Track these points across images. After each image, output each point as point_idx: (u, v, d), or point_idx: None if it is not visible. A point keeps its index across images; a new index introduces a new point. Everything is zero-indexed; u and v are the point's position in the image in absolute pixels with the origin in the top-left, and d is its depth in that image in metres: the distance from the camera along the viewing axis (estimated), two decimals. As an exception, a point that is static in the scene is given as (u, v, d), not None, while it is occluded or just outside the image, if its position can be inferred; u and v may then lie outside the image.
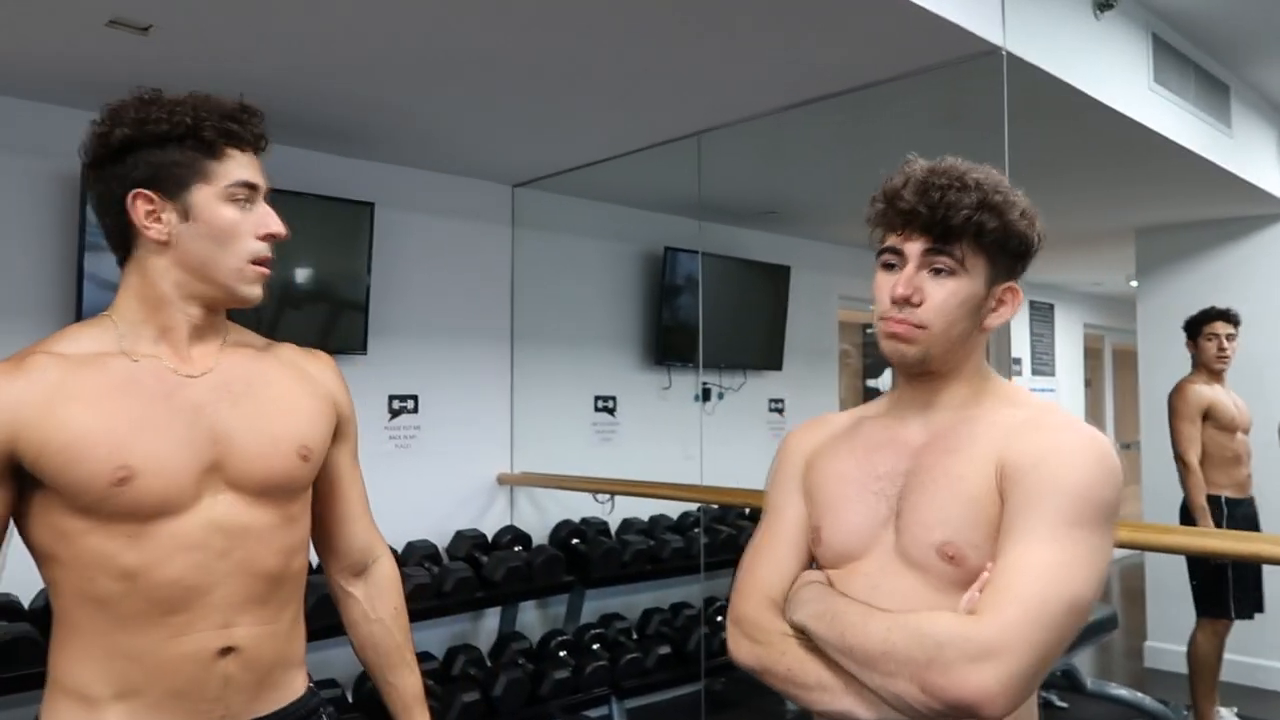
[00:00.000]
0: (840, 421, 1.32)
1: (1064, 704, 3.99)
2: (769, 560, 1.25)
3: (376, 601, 1.46)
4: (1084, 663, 4.49)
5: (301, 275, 3.43)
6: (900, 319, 1.15)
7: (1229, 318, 3.51)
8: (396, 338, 3.74)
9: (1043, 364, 7.07)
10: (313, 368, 1.38)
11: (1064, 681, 3.87)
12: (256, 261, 1.25)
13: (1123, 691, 3.87)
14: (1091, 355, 7.82)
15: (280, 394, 1.30)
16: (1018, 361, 6.83)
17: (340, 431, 1.40)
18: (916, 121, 3.32)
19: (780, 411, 5.23)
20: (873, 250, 1.21)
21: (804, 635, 1.13)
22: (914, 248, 1.15)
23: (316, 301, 3.46)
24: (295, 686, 1.31)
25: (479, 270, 4.06)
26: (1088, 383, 7.77)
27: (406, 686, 1.45)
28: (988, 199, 1.13)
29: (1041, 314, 7.07)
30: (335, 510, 1.43)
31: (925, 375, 1.20)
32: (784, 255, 4.99)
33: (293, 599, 1.31)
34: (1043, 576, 1.02)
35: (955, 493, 1.12)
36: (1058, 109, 3.02)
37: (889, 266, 1.18)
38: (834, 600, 1.13)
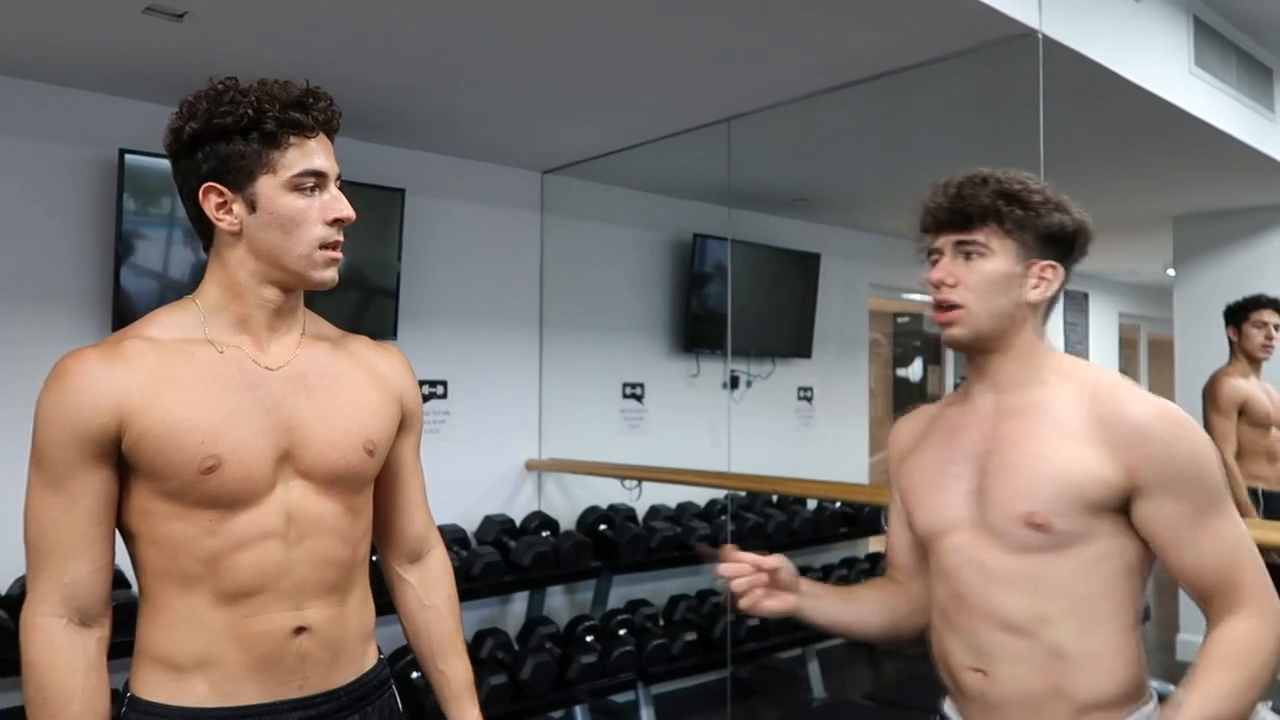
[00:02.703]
0: (930, 412, 1.46)
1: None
2: (889, 538, 1.53)
3: (430, 589, 1.49)
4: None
5: (333, 261, 3.45)
6: (940, 299, 1.30)
7: (1278, 307, 3.44)
8: (426, 323, 3.76)
9: (1077, 354, 6.98)
10: (383, 363, 1.41)
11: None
12: (326, 246, 1.26)
13: (1153, 683, 3.82)
14: (1127, 345, 7.71)
15: (350, 389, 1.33)
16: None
17: (405, 425, 1.43)
18: (951, 106, 3.28)
19: (809, 400, 5.21)
20: (916, 248, 1.38)
21: None
22: (946, 241, 1.31)
23: (347, 287, 3.49)
24: (368, 659, 1.37)
25: (508, 257, 4.07)
26: (1122, 373, 7.66)
27: (457, 674, 1.48)
28: (1005, 188, 1.27)
29: (1075, 303, 6.98)
30: (396, 500, 1.46)
31: (983, 354, 1.32)
32: (814, 242, 4.96)
33: (360, 582, 1.36)
34: (1242, 532, 1.22)
35: (1036, 467, 1.23)
36: (1095, 93, 2.97)
37: (933, 264, 1.33)
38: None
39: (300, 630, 1.26)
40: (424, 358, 3.78)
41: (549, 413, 4.18)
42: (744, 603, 1.33)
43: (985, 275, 1.28)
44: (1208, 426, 3.57)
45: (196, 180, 1.25)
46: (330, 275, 1.29)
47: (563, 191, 4.17)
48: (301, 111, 1.24)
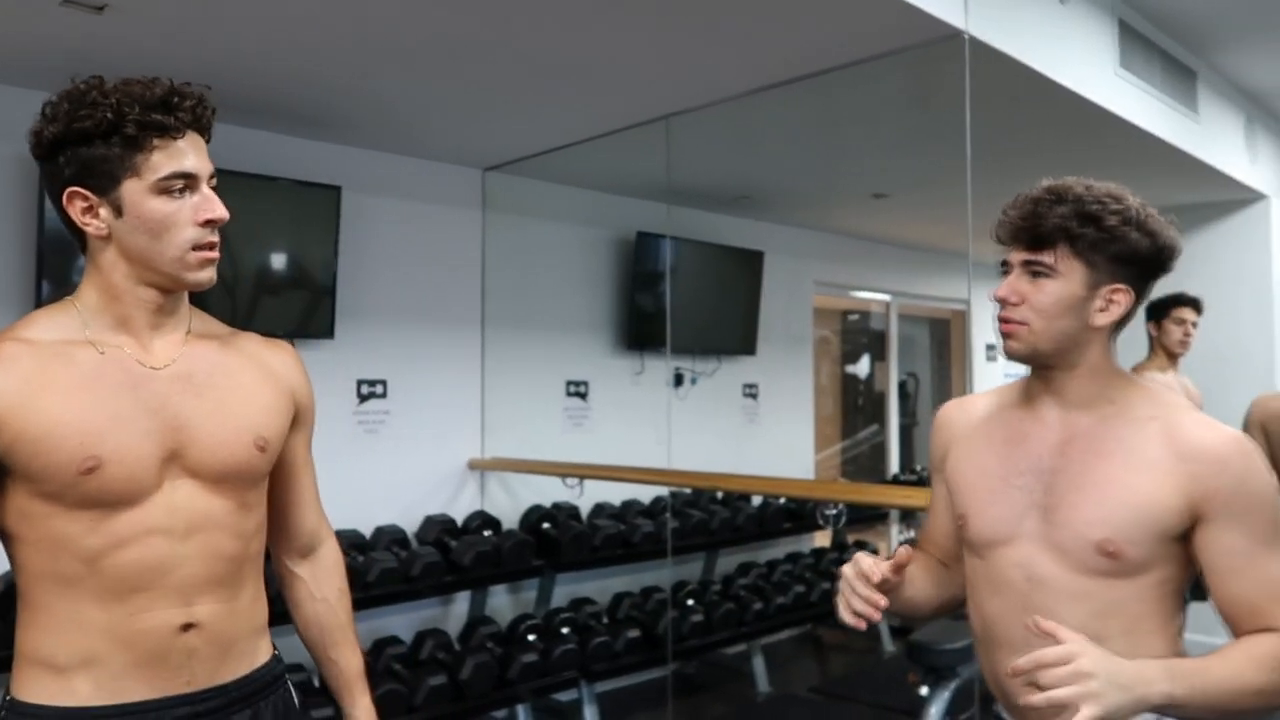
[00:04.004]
0: (980, 406, 1.45)
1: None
2: (930, 519, 1.55)
3: (321, 582, 1.50)
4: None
5: (267, 260, 3.41)
6: (1003, 316, 1.30)
7: (1196, 305, 3.54)
8: (365, 322, 3.72)
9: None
10: (274, 359, 1.40)
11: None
12: (199, 247, 1.24)
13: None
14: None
15: (240, 386, 1.33)
16: (993, 348, 6.87)
17: (297, 421, 1.43)
18: (886, 106, 3.32)
19: (754, 397, 5.25)
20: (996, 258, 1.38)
21: None
22: (1017, 257, 1.30)
23: (282, 286, 3.44)
24: (258, 656, 1.36)
25: (449, 255, 4.04)
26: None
27: (348, 664, 1.49)
28: (1083, 208, 1.25)
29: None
30: (287, 495, 1.46)
31: (1048, 369, 1.32)
32: (757, 240, 4.99)
33: (252, 577, 1.35)
34: None
35: (1114, 495, 1.25)
36: (1022, 94, 3.03)
37: (1005, 277, 1.32)
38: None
39: (188, 627, 1.25)
40: (363, 357, 3.74)
41: (491, 411, 4.16)
42: (854, 610, 1.28)
43: (1050, 297, 1.26)
44: None
45: (60, 185, 1.22)
46: (205, 276, 1.26)
47: (504, 189, 4.15)
48: (165, 112, 1.21)
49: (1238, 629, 1.25)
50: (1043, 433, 1.33)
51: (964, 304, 6.28)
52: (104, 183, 1.21)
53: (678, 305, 4.64)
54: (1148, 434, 1.26)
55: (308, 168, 3.48)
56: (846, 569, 1.30)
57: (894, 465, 6.32)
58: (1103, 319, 1.28)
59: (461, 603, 3.92)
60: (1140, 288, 1.29)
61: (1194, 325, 3.49)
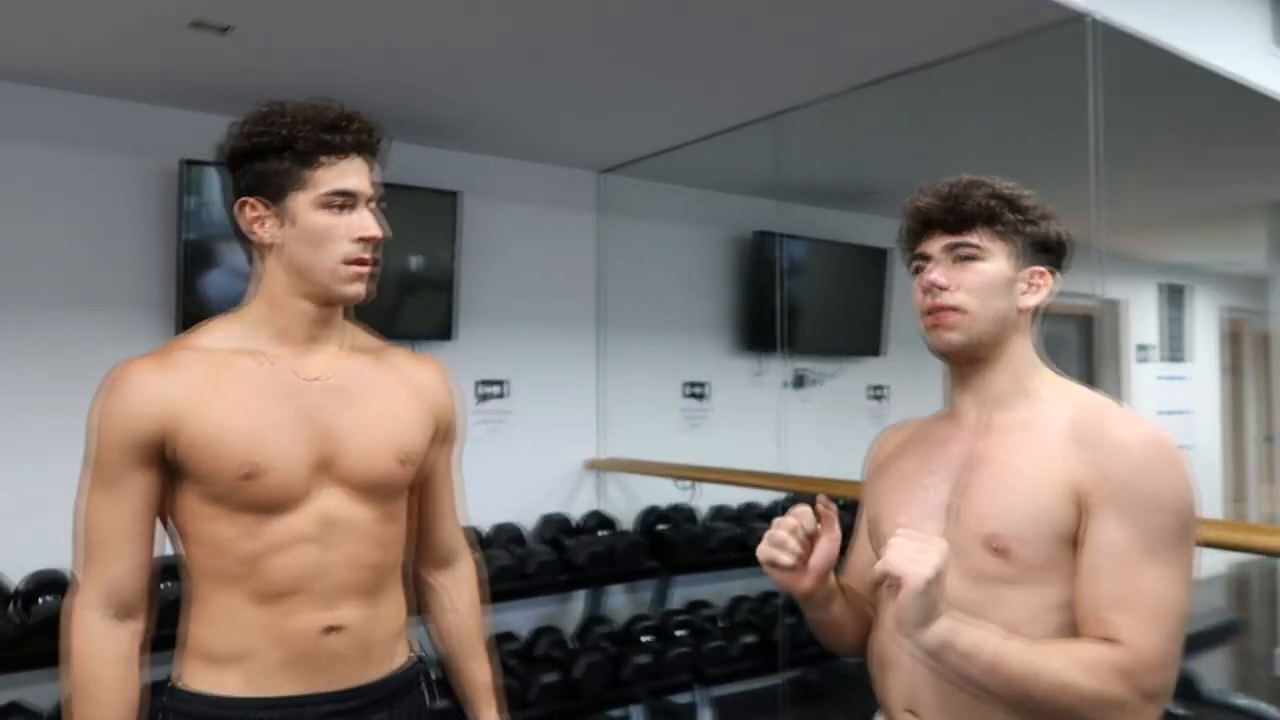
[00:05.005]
0: (914, 424, 1.40)
1: (1185, 712, 3.75)
2: (853, 551, 1.41)
3: (456, 594, 1.56)
4: (1209, 670, 4.20)
5: (388, 265, 3.52)
6: (937, 305, 1.22)
7: None
8: (484, 324, 3.81)
9: (1175, 350, 6.63)
10: (420, 375, 1.46)
11: (1182, 689, 3.64)
12: (351, 261, 1.31)
13: (1243, 700, 3.62)
14: (1235, 340, 7.29)
15: (388, 400, 1.39)
16: (1146, 348, 6.44)
17: (440, 436, 1.48)
18: (1010, 95, 3.16)
19: (881, 399, 5.09)
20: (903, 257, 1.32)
21: None
22: (936, 245, 1.24)
23: (404, 290, 3.56)
24: (398, 658, 1.42)
25: (566, 257, 4.10)
26: (1230, 370, 7.25)
27: (478, 675, 1.54)
28: (997, 190, 1.23)
29: (1174, 297, 6.64)
30: (428, 508, 1.52)
31: (974, 363, 1.25)
32: (883, 237, 4.83)
33: (392, 585, 1.41)
34: (1171, 600, 1.09)
35: (1009, 486, 1.16)
36: (1160, 77, 2.81)
37: (918, 271, 1.27)
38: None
39: (333, 629, 1.31)
40: (483, 357, 3.83)
41: (609, 412, 4.18)
42: (763, 552, 1.21)
43: (983, 277, 1.21)
44: None
45: (236, 194, 1.33)
46: (355, 290, 1.33)
47: (621, 190, 4.17)
48: (334, 133, 1.30)
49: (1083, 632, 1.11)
50: (960, 434, 1.26)
51: (1098, 300, 5.91)
52: (274, 194, 1.30)
53: (798, 305, 4.55)
54: (1058, 423, 1.18)
55: (428, 174, 3.58)
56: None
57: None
58: (1029, 300, 1.24)
59: (578, 601, 3.96)
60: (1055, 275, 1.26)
61: None
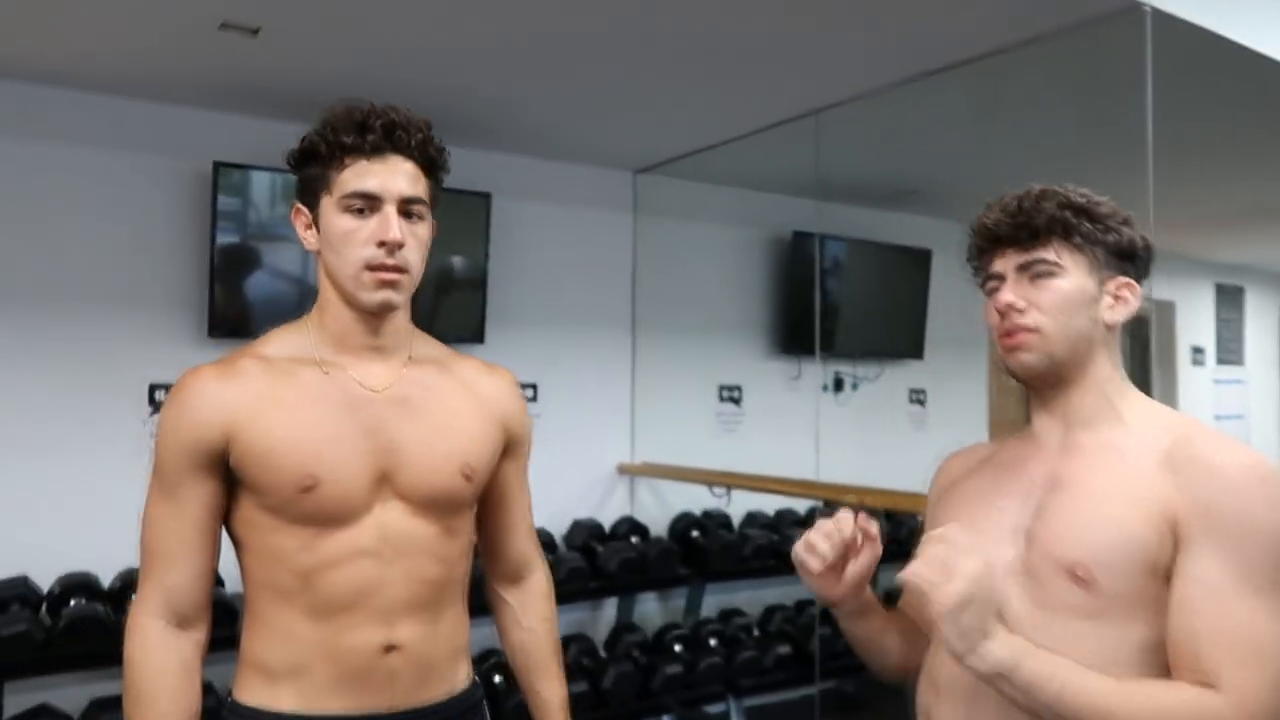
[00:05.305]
0: (982, 450, 1.32)
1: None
2: None
3: (528, 610, 1.50)
4: None
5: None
6: (1013, 326, 1.14)
7: None
8: (515, 327, 3.76)
9: (1230, 352, 6.42)
10: (488, 386, 1.41)
11: None
12: (372, 267, 1.25)
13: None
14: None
15: (452, 412, 1.34)
16: (1200, 350, 6.24)
17: (510, 449, 1.43)
18: (1060, 89, 3.04)
19: (922, 403, 4.97)
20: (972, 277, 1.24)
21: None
22: (1009, 263, 1.16)
23: (433, 292, 3.52)
24: (458, 680, 1.37)
25: (599, 258, 4.03)
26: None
27: (551, 694, 1.48)
28: (1070, 200, 1.15)
29: (1229, 298, 6.43)
30: (499, 521, 1.48)
31: (1055, 385, 1.17)
32: (924, 237, 4.72)
33: (453, 602, 1.36)
34: (1277, 640, 0.99)
35: (1095, 511, 1.07)
36: (1220, 69, 2.69)
37: (991, 291, 1.19)
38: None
39: (390, 648, 1.27)
40: (513, 360, 3.72)
41: (642, 416, 4.12)
42: (796, 553, 1.17)
43: (1060, 295, 1.13)
44: None
45: (292, 202, 1.33)
46: (379, 297, 1.27)
47: (655, 191, 4.10)
48: (356, 134, 1.25)
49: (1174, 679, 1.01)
50: (1040, 454, 1.17)
51: (1150, 301, 5.73)
52: (311, 200, 1.29)
53: (837, 307, 4.45)
54: (1148, 449, 1.09)
55: (458, 175, 3.45)
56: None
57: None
58: (1115, 315, 1.15)
59: (610, 608, 3.90)
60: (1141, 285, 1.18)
61: None
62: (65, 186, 2.98)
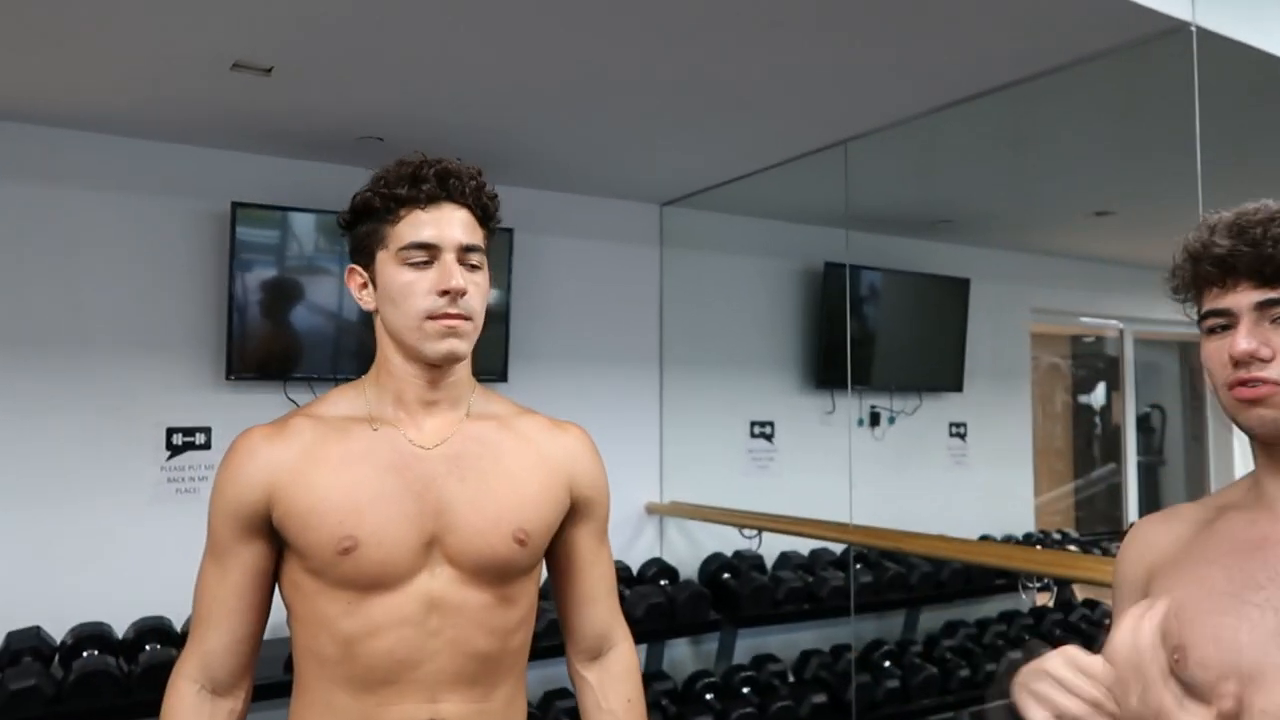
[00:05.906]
0: (1191, 515, 1.11)
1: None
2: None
3: (609, 690, 1.39)
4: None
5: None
6: (1248, 378, 0.97)
7: None
8: (538, 363, 3.68)
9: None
10: (553, 444, 1.33)
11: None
12: (434, 316, 1.21)
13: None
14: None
15: (507, 471, 1.27)
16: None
17: (580, 511, 1.35)
18: (1101, 113, 2.92)
19: (962, 437, 4.81)
20: (1193, 318, 1.05)
21: None
22: (1243, 299, 0.98)
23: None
24: None
25: (626, 292, 3.95)
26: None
27: None
28: None
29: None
30: (572, 591, 1.39)
31: None
32: (961, 266, 4.58)
33: (507, 678, 1.28)
34: None
35: None
36: (1272, 88, 2.55)
37: (1215, 330, 1.01)
38: None
39: None
40: (538, 398, 3.65)
41: (671, 454, 4.01)
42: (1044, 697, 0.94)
43: None
44: None
45: (347, 264, 1.30)
46: (444, 347, 1.22)
47: (682, 223, 4.02)
48: (410, 186, 1.22)
49: None
50: None
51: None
52: (366, 258, 1.26)
53: (872, 339, 4.33)
54: None
55: None
56: (1054, 663, 0.94)
57: (1132, 510, 5.63)
58: None
59: (639, 654, 3.76)
60: None
61: None
62: (82, 229, 2.95)
